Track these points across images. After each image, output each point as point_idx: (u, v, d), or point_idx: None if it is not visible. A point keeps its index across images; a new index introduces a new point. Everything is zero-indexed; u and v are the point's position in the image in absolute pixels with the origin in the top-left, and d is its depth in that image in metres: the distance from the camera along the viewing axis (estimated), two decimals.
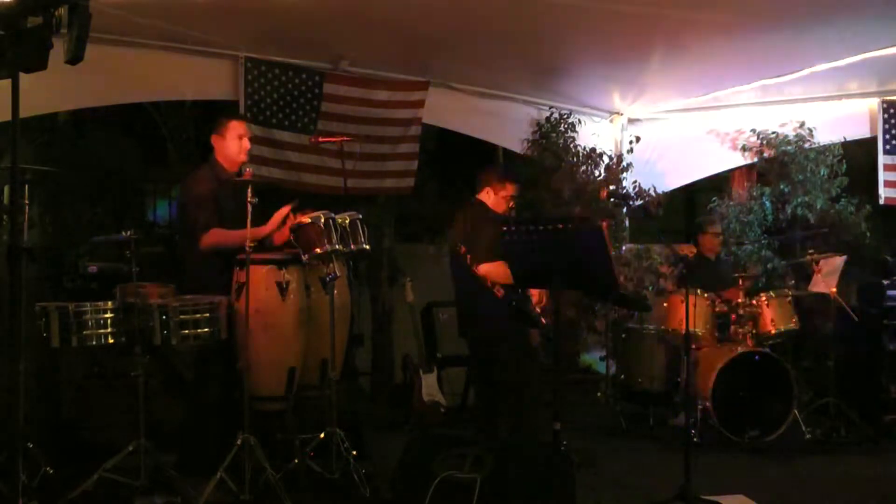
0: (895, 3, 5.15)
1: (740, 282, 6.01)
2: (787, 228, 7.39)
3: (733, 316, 6.00)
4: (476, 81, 7.03)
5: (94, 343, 4.01)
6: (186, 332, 4.04)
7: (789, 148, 7.37)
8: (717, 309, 6.02)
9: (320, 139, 5.50)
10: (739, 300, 5.96)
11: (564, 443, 4.30)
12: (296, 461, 4.38)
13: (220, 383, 4.52)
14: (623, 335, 6.48)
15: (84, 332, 3.96)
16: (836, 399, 5.93)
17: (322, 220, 4.34)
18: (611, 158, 7.66)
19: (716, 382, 5.63)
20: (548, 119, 7.48)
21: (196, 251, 4.53)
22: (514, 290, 4.63)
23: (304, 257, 4.37)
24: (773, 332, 5.93)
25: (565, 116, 7.48)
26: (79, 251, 7.17)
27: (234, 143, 4.68)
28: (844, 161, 7.37)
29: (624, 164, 7.61)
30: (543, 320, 4.83)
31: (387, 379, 7.25)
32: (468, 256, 4.70)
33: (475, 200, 4.92)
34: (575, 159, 7.43)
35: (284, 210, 4.54)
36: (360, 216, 4.55)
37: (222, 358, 4.43)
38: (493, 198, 4.88)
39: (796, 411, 5.70)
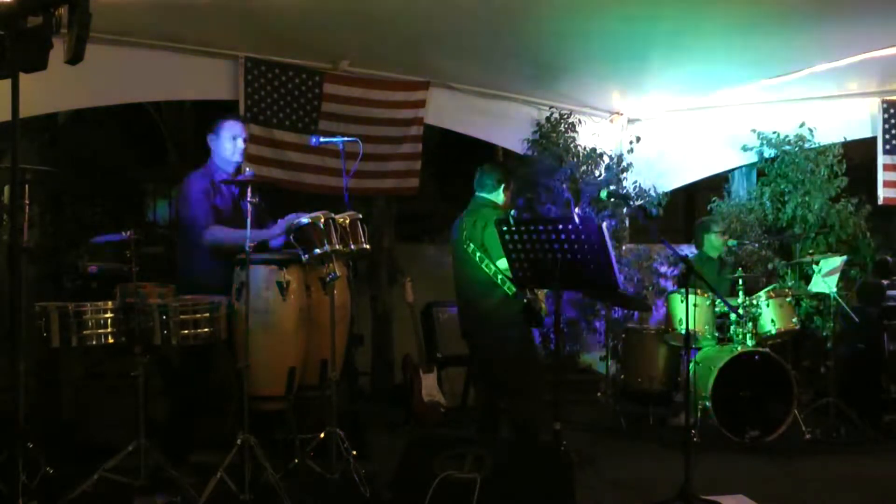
0: (895, 3, 5.15)
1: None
2: (787, 228, 7.39)
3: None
4: (476, 81, 7.03)
5: (94, 343, 4.00)
6: (186, 332, 4.03)
7: (789, 148, 7.37)
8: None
9: (322, 141, 5.49)
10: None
11: (564, 443, 4.31)
12: (296, 461, 4.38)
13: (211, 380, 4.54)
14: (623, 335, 6.48)
15: (84, 332, 3.95)
16: (836, 399, 5.94)
17: (322, 220, 4.33)
18: (611, 158, 7.66)
19: (716, 382, 5.63)
20: (548, 119, 7.47)
21: (191, 252, 4.53)
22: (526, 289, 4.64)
23: (304, 257, 4.37)
24: (773, 332, 5.93)
25: (565, 116, 7.47)
26: (79, 251, 7.17)
27: (228, 144, 4.66)
28: (844, 161, 7.37)
29: (624, 164, 7.61)
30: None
31: (387, 379, 7.25)
32: (478, 255, 4.70)
33: (484, 199, 4.91)
34: (575, 159, 7.43)
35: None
36: (360, 216, 4.55)
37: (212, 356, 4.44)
38: (503, 196, 4.89)
39: (796, 411, 5.70)
